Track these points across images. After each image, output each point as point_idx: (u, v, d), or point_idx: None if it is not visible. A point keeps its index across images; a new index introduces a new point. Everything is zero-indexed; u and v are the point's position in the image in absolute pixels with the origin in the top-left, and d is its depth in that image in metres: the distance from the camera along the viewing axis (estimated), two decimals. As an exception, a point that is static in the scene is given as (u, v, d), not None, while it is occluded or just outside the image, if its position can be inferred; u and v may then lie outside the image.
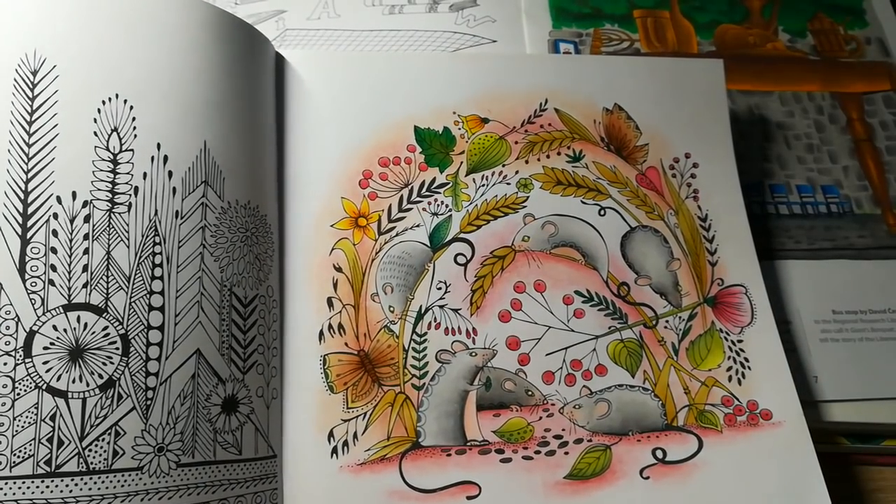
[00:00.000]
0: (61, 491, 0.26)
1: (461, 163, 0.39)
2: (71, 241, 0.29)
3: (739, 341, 0.37)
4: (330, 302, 0.35)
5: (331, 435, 0.33)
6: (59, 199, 0.29)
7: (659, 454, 0.34)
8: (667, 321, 0.37)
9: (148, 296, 0.29)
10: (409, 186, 0.38)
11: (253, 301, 0.33)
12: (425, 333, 0.36)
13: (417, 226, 0.38)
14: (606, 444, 0.35)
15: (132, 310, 0.29)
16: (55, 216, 0.29)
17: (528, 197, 0.39)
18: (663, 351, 0.37)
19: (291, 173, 0.37)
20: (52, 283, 0.28)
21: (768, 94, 0.48)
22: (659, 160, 0.40)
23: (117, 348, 0.28)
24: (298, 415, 0.33)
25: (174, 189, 0.31)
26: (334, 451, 0.33)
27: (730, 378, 0.36)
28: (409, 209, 0.38)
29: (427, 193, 0.38)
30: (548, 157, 0.40)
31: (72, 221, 0.29)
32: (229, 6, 0.48)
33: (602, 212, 0.39)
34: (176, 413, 0.29)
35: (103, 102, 0.31)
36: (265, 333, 0.33)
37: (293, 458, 0.33)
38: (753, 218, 0.41)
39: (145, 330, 0.29)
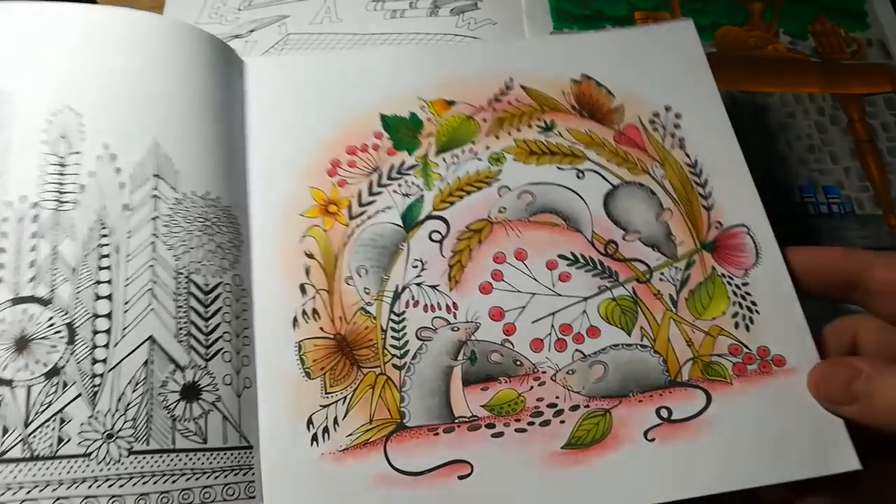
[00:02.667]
0: (5, 477, 0.24)
1: (430, 143, 0.36)
2: (19, 240, 0.27)
3: (745, 284, 0.32)
4: (303, 288, 0.32)
5: (310, 422, 0.29)
6: (8, 204, 0.27)
7: (664, 413, 0.29)
8: (662, 273, 0.33)
9: (95, 285, 0.27)
10: (378, 171, 0.35)
11: (215, 289, 0.30)
12: (403, 312, 0.32)
13: (389, 208, 0.34)
14: (605, 407, 0.29)
15: (78, 300, 0.26)
16: (4, 220, 0.27)
17: (501, 170, 0.35)
18: (660, 304, 0.32)
19: (257, 167, 0.35)
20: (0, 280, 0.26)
21: (769, 95, 0.46)
22: (637, 117, 0.36)
23: (62, 337, 0.25)
24: (275, 403, 0.29)
25: (122, 184, 0.29)
26: (314, 438, 0.28)
27: (736, 325, 0.31)
28: (380, 192, 0.35)
29: (396, 176, 0.35)
30: (518, 130, 0.36)
31: (19, 222, 0.27)
32: (233, 12, 0.46)
33: (580, 175, 0.35)
34: (127, 399, 0.25)
35: (53, 114, 0.30)
36: (232, 322, 0.30)
37: (271, 449, 0.28)
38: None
39: (92, 318, 0.26)
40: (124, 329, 0.27)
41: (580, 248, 0.33)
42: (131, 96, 0.31)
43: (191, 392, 0.28)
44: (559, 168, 0.36)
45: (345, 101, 0.37)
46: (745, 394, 0.30)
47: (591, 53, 0.38)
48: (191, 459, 0.26)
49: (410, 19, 0.47)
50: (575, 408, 0.30)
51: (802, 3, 0.49)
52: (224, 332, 0.29)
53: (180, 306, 0.29)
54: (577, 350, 0.31)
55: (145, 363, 0.27)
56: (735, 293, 0.32)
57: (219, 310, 0.30)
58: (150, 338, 0.28)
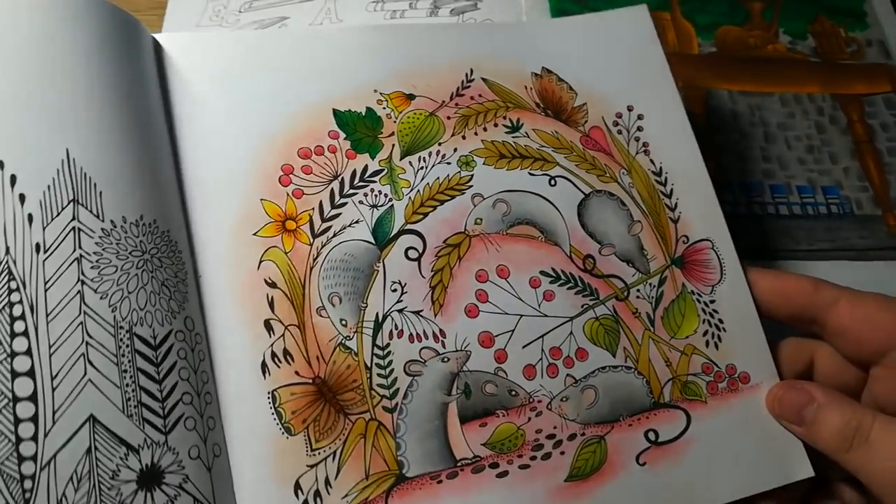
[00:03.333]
0: None
1: (393, 145, 0.31)
2: None
3: (712, 301, 0.32)
4: (268, 325, 0.26)
5: (297, 487, 0.24)
6: None
7: (651, 436, 0.29)
8: (638, 290, 0.32)
9: (9, 359, 0.19)
10: (339, 178, 0.30)
11: (166, 340, 0.23)
12: (388, 345, 0.28)
13: (357, 222, 0.29)
14: (599, 434, 0.29)
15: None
16: None
17: (472, 175, 0.32)
18: (639, 323, 0.31)
19: (193, 179, 0.28)
20: None
21: (769, 95, 0.45)
22: (601, 118, 0.34)
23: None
24: (253, 470, 0.24)
25: (30, 216, 0.21)
26: (304, 506, 0.24)
27: (707, 343, 0.31)
28: (344, 203, 0.30)
29: (361, 184, 0.30)
30: (485, 129, 0.33)
31: None
32: (234, 15, 0.45)
33: (552, 182, 0.33)
34: (70, 502, 0.19)
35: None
36: (190, 378, 0.24)
37: (253, 527, 0.24)
38: (754, 218, 0.38)
39: (10, 404, 0.19)
40: (55, 412, 0.20)
41: (560, 263, 0.32)
42: (29, 94, 0.23)
43: (151, 477, 0.22)
44: (531, 174, 0.33)
45: (289, 94, 0.30)
46: (718, 412, 0.30)
47: (549, 43, 0.36)
48: (165, 564, 0.21)
49: (410, 20, 0.45)
50: (572, 437, 0.28)
51: (802, 3, 0.49)
52: (183, 394, 0.24)
53: (125, 370, 0.22)
54: (568, 375, 0.30)
55: (88, 451, 0.21)
56: (704, 311, 0.32)
57: (174, 366, 0.24)
58: (91, 418, 0.21)
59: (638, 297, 0.32)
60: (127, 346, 0.22)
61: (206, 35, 0.32)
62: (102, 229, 0.23)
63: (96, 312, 0.22)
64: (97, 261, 0.23)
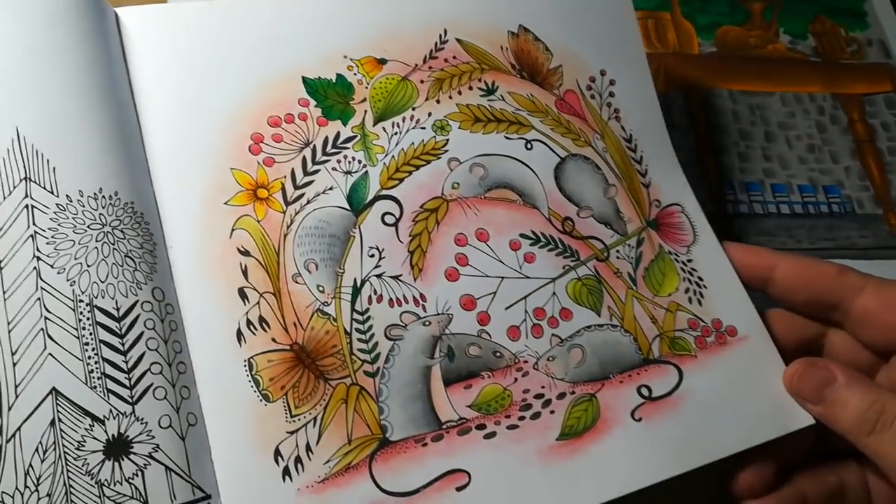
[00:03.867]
0: None
1: (365, 111, 0.30)
2: None
3: (689, 261, 0.32)
4: (242, 293, 0.25)
5: (277, 454, 0.23)
6: None
7: (644, 392, 0.28)
8: (617, 251, 0.31)
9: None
10: (311, 145, 0.29)
11: (131, 311, 0.22)
12: (367, 310, 0.27)
13: (331, 188, 0.28)
14: (590, 392, 0.28)
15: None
16: None
17: (447, 140, 0.31)
18: (621, 283, 0.31)
19: (158, 151, 0.27)
20: None
21: (769, 94, 0.45)
22: (575, 82, 0.34)
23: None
24: (231, 439, 0.23)
25: (-20, 197, 0.20)
26: (286, 472, 0.23)
27: (690, 300, 0.31)
28: (316, 171, 0.29)
29: (333, 150, 0.29)
30: (459, 93, 0.32)
31: None
32: None
33: (528, 145, 0.32)
34: (36, 473, 0.19)
35: None
36: (159, 348, 0.23)
37: (235, 494, 0.23)
38: (755, 217, 0.37)
39: None
40: (17, 386, 0.20)
41: (539, 226, 0.31)
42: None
43: (118, 447, 0.21)
44: (507, 137, 0.32)
45: (256, 62, 0.30)
46: (709, 365, 0.30)
47: (526, 0, 0.35)
48: (136, 533, 0.20)
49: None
50: (562, 396, 0.28)
51: (803, 3, 0.48)
52: (151, 363, 0.23)
53: (87, 343, 0.21)
54: (553, 335, 0.29)
55: (52, 423, 0.20)
56: (683, 269, 0.32)
57: (140, 336, 0.23)
58: (53, 390, 0.21)
59: (618, 257, 0.31)
60: (87, 318, 0.22)
61: (166, 7, 0.31)
62: (57, 204, 0.22)
63: (54, 287, 0.21)
64: (52, 236, 0.22)
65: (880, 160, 0.43)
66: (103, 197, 0.23)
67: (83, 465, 0.20)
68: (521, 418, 0.27)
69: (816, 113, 0.44)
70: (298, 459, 0.24)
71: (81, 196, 0.23)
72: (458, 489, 0.25)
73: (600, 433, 0.27)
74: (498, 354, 0.28)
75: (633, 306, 0.30)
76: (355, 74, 0.31)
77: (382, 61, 0.32)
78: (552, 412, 0.27)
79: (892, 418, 0.26)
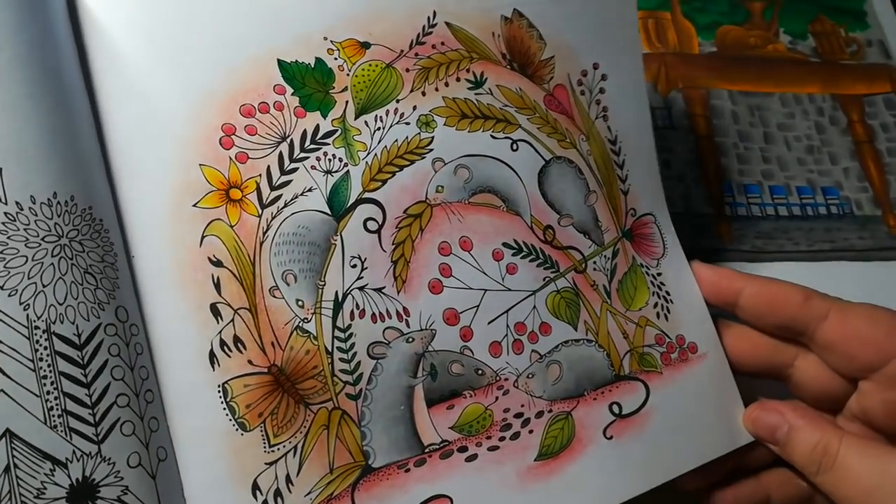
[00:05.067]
0: None
1: (346, 102, 0.28)
2: None
3: (659, 274, 0.33)
4: (215, 309, 0.23)
5: (256, 487, 0.22)
6: None
7: (615, 409, 0.29)
8: (594, 262, 0.31)
9: None
10: (289, 139, 0.27)
11: (93, 336, 0.20)
12: (349, 326, 0.26)
13: (310, 190, 0.26)
14: (566, 410, 0.28)
15: None
16: None
17: (432, 137, 0.29)
18: (597, 296, 0.31)
19: (118, 145, 0.24)
20: None
21: (769, 95, 0.44)
22: (566, 75, 0.33)
23: None
24: (205, 473, 0.22)
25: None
26: (265, 507, 0.22)
27: (657, 315, 0.32)
28: (294, 169, 0.27)
29: (313, 146, 0.27)
30: (446, 84, 0.30)
31: None
32: None
33: (514, 146, 0.31)
34: None
35: None
36: (125, 376, 0.21)
37: (209, 534, 0.21)
38: (753, 219, 0.37)
39: None
40: (-32, 432, 0.17)
41: (522, 234, 0.30)
42: None
43: (83, 492, 0.19)
44: (493, 136, 0.31)
45: (227, 43, 0.26)
46: (672, 382, 0.31)
47: None
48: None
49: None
50: (540, 414, 0.28)
51: (803, 3, 0.48)
52: (118, 396, 0.21)
53: (44, 376, 0.19)
54: (533, 350, 0.29)
55: (6, 469, 0.18)
56: (653, 283, 0.32)
57: (104, 365, 0.21)
58: (7, 432, 0.18)
59: (595, 269, 0.31)
60: (45, 348, 0.19)
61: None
62: (6, 213, 0.19)
63: (5, 313, 0.19)
64: (2, 251, 0.19)
65: (879, 161, 0.43)
66: (58, 203, 0.20)
67: (44, 516, 0.18)
68: (502, 439, 0.27)
69: (816, 114, 0.44)
70: (278, 493, 0.23)
71: (34, 203, 0.20)
72: (440, 514, 0.25)
73: (576, 453, 0.28)
74: (480, 372, 0.27)
75: (608, 321, 0.31)
76: (336, 59, 0.28)
77: (366, 45, 0.29)
78: (531, 431, 0.27)
79: (834, 456, 0.27)
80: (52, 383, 0.19)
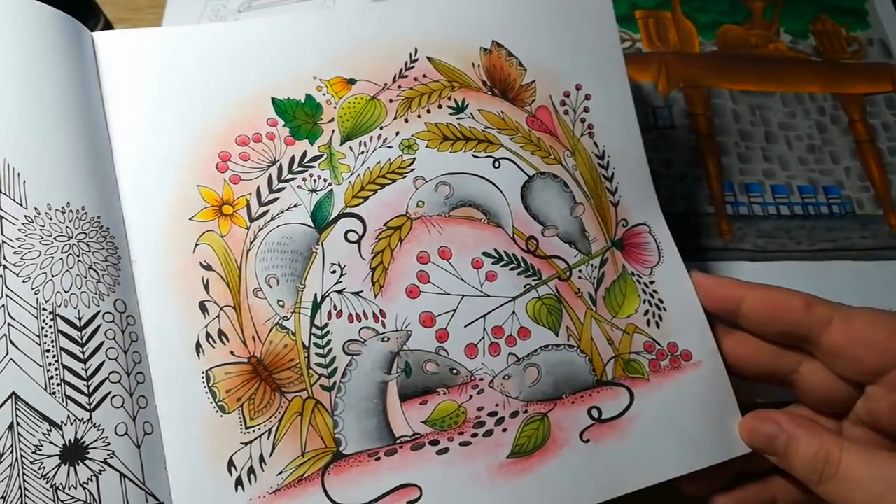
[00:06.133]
0: None
1: (333, 130, 0.32)
2: None
3: (651, 282, 0.33)
4: (203, 307, 0.27)
5: (231, 464, 0.25)
6: None
7: (594, 413, 0.30)
8: (580, 271, 0.33)
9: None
10: (278, 164, 0.31)
11: (92, 321, 0.24)
12: (326, 325, 0.28)
13: (295, 206, 0.30)
14: (542, 412, 0.29)
15: None
16: None
17: (414, 158, 0.33)
18: (581, 303, 0.32)
19: (128, 168, 0.29)
20: None
21: (770, 94, 0.45)
22: (548, 97, 0.35)
23: None
24: (185, 448, 0.25)
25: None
26: (239, 482, 0.25)
27: (648, 322, 0.32)
28: (282, 188, 0.30)
29: (299, 169, 0.31)
30: (428, 111, 0.34)
31: None
32: (233, 14, 0.44)
33: (496, 163, 0.34)
34: None
35: None
36: (119, 358, 0.25)
37: (188, 503, 0.24)
38: (754, 219, 0.38)
39: None
40: (-23, 390, 0.21)
41: (503, 244, 0.32)
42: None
43: (74, 452, 0.23)
44: (474, 156, 0.34)
45: (226, 84, 0.31)
46: (660, 389, 0.31)
47: (499, 13, 0.35)
48: (87, 537, 0.22)
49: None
50: (515, 414, 0.29)
51: (803, 2, 0.49)
52: (110, 373, 0.24)
53: (48, 350, 0.23)
54: (510, 353, 0.30)
55: (10, 427, 0.22)
56: (644, 291, 0.33)
57: (100, 346, 0.24)
58: (13, 395, 0.22)
59: (580, 277, 0.33)
60: (50, 326, 0.23)
61: (138, 32, 0.33)
62: (26, 216, 0.24)
63: (18, 295, 0.23)
64: (20, 246, 0.24)
65: (881, 160, 0.43)
66: (70, 211, 0.25)
67: (39, 469, 0.22)
68: (474, 435, 0.28)
69: (817, 113, 0.45)
70: (251, 470, 0.25)
71: (49, 209, 0.24)
72: (410, 503, 0.26)
73: (549, 453, 0.28)
74: (454, 371, 0.29)
75: (592, 327, 0.32)
76: (324, 95, 0.33)
77: (352, 81, 0.33)
78: (504, 430, 0.29)
79: (836, 465, 0.27)
80: (53, 356, 0.23)
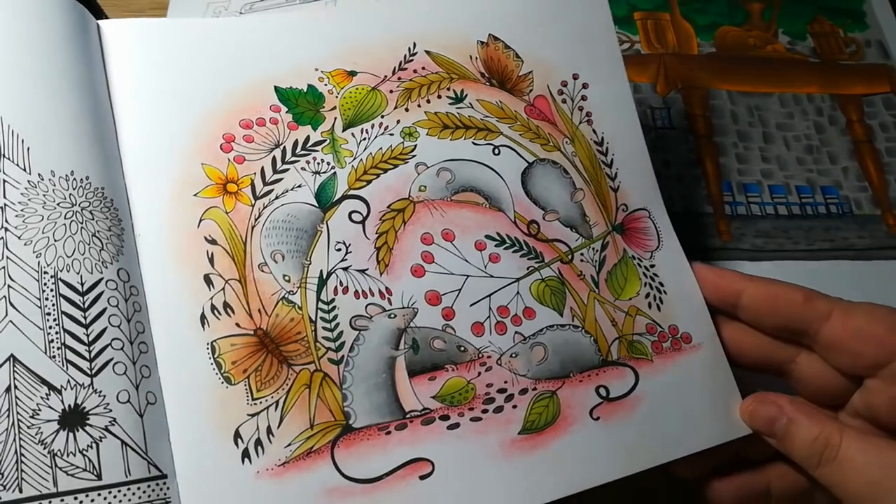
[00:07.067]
0: None
1: (335, 118, 0.33)
2: None
3: (652, 266, 0.34)
4: (208, 279, 0.27)
5: (237, 436, 0.24)
6: None
7: (602, 392, 0.30)
8: (581, 254, 0.33)
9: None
10: (281, 146, 0.31)
11: (95, 287, 0.24)
12: (332, 300, 0.28)
13: (299, 186, 0.30)
14: (551, 389, 0.29)
15: None
16: None
17: (415, 146, 0.33)
18: (584, 285, 0.33)
19: (132, 149, 0.29)
20: None
21: (768, 95, 0.46)
22: (546, 87, 0.36)
23: None
24: (189, 419, 0.24)
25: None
26: (245, 454, 0.24)
27: (649, 305, 0.33)
28: (286, 170, 0.31)
29: (303, 152, 0.32)
30: (428, 101, 0.35)
31: None
32: (234, 15, 0.45)
33: (496, 151, 0.35)
34: None
35: None
36: (122, 325, 0.24)
37: (192, 474, 0.24)
38: (753, 219, 0.39)
39: None
40: (-24, 349, 0.21)
41: (505, 228, 0.33)
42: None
43: (73, 418, 0.22)
44: (474, 143, 0.35)
45: (229, 73, 0.32)
46: (663, 370, 0.31)
47: (495, 8, 0.37)
48: (82, 503, 0.21)
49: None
50: (524, 391, 0.29)
51: (801, 4, 0.50)
52: (113, 339, 0.24)
53: (48, 313, 0.23)
54: (517, 332, 0.31)
55: (7, 390, 0.21)
56: (645, 274, 0.34)
57: (102, 312, 0.24)
58: (11, 357, 0.22)
59: (582, 260, 0.33)
60: (51, 290, 0.23)
61: (144, 21, 0.34)
62: (28, 181, 0.24)
63: (19, 257, 0.23)
64: (22, 210, 0.24)
65: (878, 161, 0.44)
66: (74, 179, 0.25)
67: (37, 434, 0.21)
68: (485, 411, 0.28)
69: (815, 114, 0.46)
70: (259, 442, 0.25)
71: (53, 176, 0.24)
72: (422, 478, 0.26)
73: (561, 430, 0.28)
74: (462, 349, 0.29)
75: (595, 308, 0.32)
76: (326, 85, 0.33)
77: (352, 73, 0.34)
78: (514, 406, 0.28)
79: (836, 449, 0.27)
80: (54, 320, 0.23)
